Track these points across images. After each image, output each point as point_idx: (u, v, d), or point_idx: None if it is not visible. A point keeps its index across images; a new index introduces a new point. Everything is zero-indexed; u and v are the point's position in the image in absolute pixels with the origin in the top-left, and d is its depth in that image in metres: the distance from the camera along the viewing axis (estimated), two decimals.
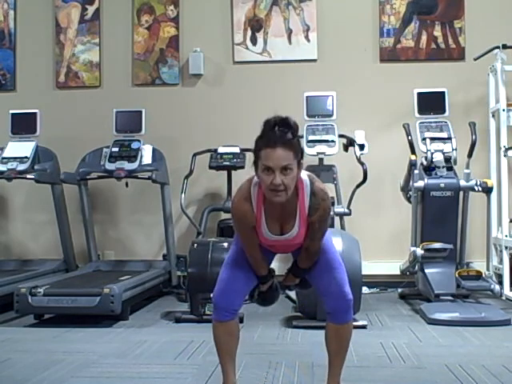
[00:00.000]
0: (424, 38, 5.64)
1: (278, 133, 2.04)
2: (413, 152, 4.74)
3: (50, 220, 5.53)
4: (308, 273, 2.36)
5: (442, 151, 4.71)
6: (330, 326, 2.36)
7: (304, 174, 2.20)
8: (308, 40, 5.69)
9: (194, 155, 5.20)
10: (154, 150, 5.16)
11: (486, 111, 5.33)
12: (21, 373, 2.88)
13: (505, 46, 5.06)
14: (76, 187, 5.19)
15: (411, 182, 4.75)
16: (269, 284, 2.41)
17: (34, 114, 5.28)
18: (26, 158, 5.02)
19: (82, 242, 5.38)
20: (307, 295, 3.60)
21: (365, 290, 4.92)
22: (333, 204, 4.76)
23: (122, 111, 5.30)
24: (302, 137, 4.16)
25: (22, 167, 4.97)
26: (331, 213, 4.60)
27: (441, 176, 4.67)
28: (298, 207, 2.17)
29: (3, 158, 5.02)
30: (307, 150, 4.72)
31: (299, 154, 2.09)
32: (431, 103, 4.97)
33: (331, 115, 5.00)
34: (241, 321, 3.76)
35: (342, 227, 4.86)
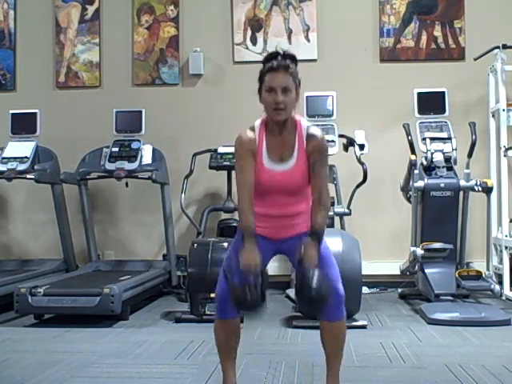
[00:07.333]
0: (424, 38, 5.64)
1: (280, 59, 2.28)
2: (413, 152, 4.73)
3: (50, 220, 5.53)
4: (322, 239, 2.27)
5: (442, 151, 4.71)
6: (324, 325, 2.36)
7: (302, 119, 2.37)
8: (308, 40, 5.69)
9: (194, 155, 5.21)
10: (153, 150, 5.16)
11: (486, 111, 5.33)
12: (21, 373, 2.88)
13: (505, 46, 5.06)
14: (76, 187, 5.19)
15: (411, 182, 4.74)
16: (251, 257, 2.20)
17: (34, 114, 5.28)
18: (26, 157, 5.02)
19: (82, 241, 5.38)
20: None
21: (365, 289, 4.91)
22: (333, 204, 4.77)
23: (122, 111, 5.30)
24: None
25: (22, 167, 4.97)
26: (329, 213, 4.61)
27: (441, 176, 4.67)
28: (296, 137, 2.32)
29: (3, 158, 5.02)
30: None
31: (297, 80, 2.30)
32: (431, 103, 4.97)
33: (331, 115, 5.00)
34: (241, 321, 3.76)
35: (342, 227, 4.85)
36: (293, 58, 2.30)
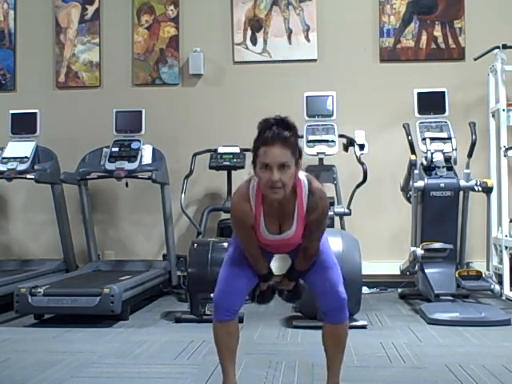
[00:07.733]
0: (424, 38, 5.64)
1: (276, 131, 2.05)
2: (413, 152, 4.73)
3: (50, 220, 5.53)
4: (303, 276, 2.37)
5: (442, 151, 4.72)
6: (326, 326, 2.37)
7: (302, 175, 2.20)
8: (308, 40, 5.69)
9: (194, 155, 5.21)
10: (153, 150, 5.16)
11: (486, 111, 5.33)
12: (21, 373, 2.87)
13: (505, 46, 5.06)
14: (76, 187, 5.19)
15: (411, 182, 4.75)
16: (268, 283, 2.41)
17: (34, 113, 5.28)
18: (26, 157, 5.02)
19: (82, 241, 5.38)
20: (307, 295, 3.59)
21: (365, 289, 4.91)
22: (332, 204, 4.77)
23: (122, 111, 5.30)
24: (301, 137, 4.16)
25: (22, 167, 4.96)
26: (329, 213, 4.61)
27: (441, 176, 4.67)
28: (296, 206, 2.18)
29: (3, 158, 5.02)
30: (307, 150, 4.73)
31: (297, 152, 2.10)
32: (431, 103, 4.97)
33: (331, 115, 5.00)
34: (241, 321, 3.76)
35: (342, 227, 4.85)
36: (291, 128, 2.07)
